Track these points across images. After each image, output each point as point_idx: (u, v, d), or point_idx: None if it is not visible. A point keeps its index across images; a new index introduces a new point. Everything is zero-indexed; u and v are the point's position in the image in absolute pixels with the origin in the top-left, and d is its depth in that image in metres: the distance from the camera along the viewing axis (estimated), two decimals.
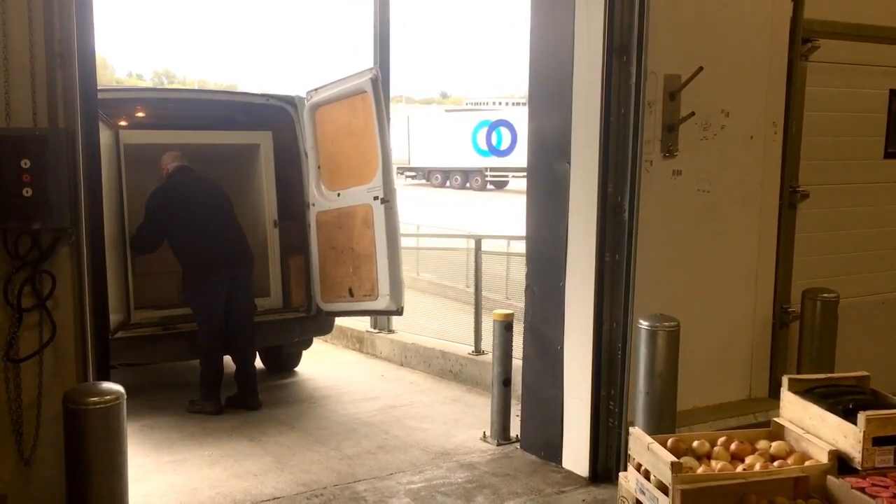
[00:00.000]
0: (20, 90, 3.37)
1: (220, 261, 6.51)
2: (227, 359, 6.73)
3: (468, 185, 37.67)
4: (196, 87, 25.15)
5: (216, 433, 6.01)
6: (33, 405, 3.50)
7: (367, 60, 8.26)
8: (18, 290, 3.41)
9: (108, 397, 3.17)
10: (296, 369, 7.84)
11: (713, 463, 3.70)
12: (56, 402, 3.31)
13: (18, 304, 3.42)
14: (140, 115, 7.23)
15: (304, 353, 7.87)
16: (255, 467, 5.34)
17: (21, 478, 3.51)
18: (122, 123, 6.81)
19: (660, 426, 4.37)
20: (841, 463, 3.57)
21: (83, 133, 3.49)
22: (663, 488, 3.49)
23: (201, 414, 6.40)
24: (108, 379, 3.55)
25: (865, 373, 4.12)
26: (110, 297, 4.09)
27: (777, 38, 5.35)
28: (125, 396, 3.24)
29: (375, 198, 6.26)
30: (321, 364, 8.13)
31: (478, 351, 7.48)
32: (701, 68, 4.81)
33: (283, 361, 7.75)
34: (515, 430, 5.69)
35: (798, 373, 5.22)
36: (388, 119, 6.41)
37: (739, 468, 3.64)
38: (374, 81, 6.17)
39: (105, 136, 5.76)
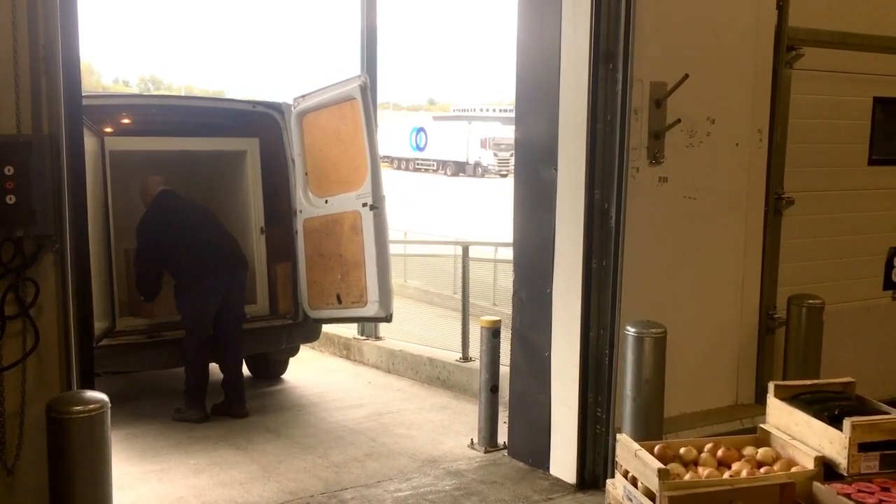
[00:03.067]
0: (3, 96, 3.35)
1: (217, 265, 6.49)
2: (213, 366, 6.70)
3: None
4: (182, 94, 25.08)
5: (202, 441, 5.97)
6: (16, 414, 3.46)
7: (353, 67, 8.27)
8: (1, 297, 3.38)
9: (91, 406, 3.15)
10: (282, 377, 7.81)
11: (700, 469, 3.71)
12: (39, 411, 3.28)
13: (1, 312, 3.38)
14: (126, 121, 7.19)
15: (291, 360, 7.83)
16: (242, 476, 5.30)
17: (4, 487, 3.47)
18: (108, 130, 6.77)
19: (647, 432, 4.37)
20: (827, 469, 3.58)
21: (67, 139, 3.47)
22: (651, 495, 3.49)
23: (187, 422, 6.35)
24: (92, 387, 3.52)
25: (851, 379, 4.14)
26: (94, 305, 4.06)
27: (762, 46, 5.38)
28: (109, 405, 3.21)
29: (364, 204, 6.25)
30: (308, 371, 8.09)
31: (465, 358, 7.47)
32: (687, 76, 4.83)
33: (270, 369, 7.71)
34: (503, 436, 5.68)
35: (784, 379, 5.24)
36: (376, 125, 6.41)
37: (726, 474, 3.65)
38: (362, 88, 6.17)
39: (90, 143, 5.73)
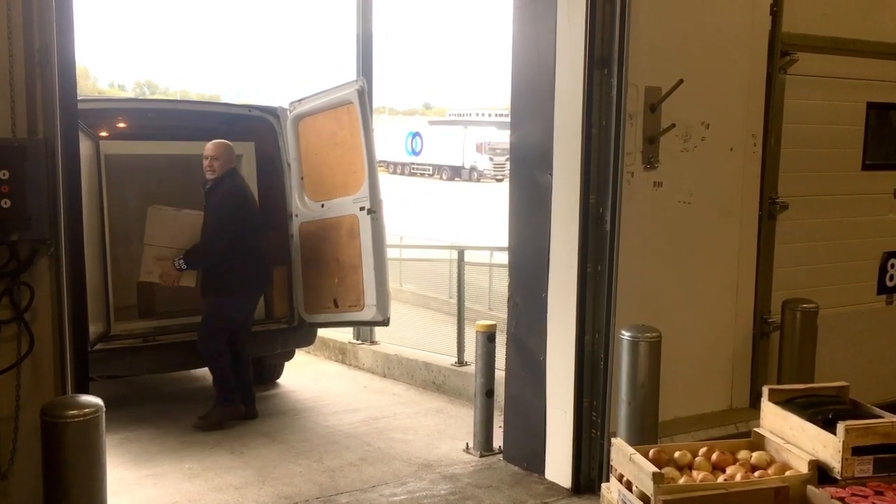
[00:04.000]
0: None
1: (260, 280, 6.55)
2: (205, 371, 6.68)
3: None
4: (178, 98, 25.08)
5: (197, 446, 5.96)
6: (10, 418, 3.45)
7: (349, 72, 8.28)
8: None
9: (86, 410, 3.14)
10: (278, 381, 7.80)
11: (695, 473, 3.72)
12: (34, 416, 3.27)
13: None
14: (121, 125, 7.18)
15: (286, 364, 7.83)
16: (236, 480, 5.30)
17: None
18: (104, 134, 6.76)
19: (642, 437, 4.39)
20: (821, 473, 3.60)
21: (63, 143, 3.46)
22: (645, 499, 3.50)
23: (231, 420, 6.28)
24: (86, 391, 3.51)
25: (845, 383, 4.16)
26: (90, 309, 4.05)
27: (756, 52, 5.41)
28: (104, 409, 3.21)
29: (362, 208, 6.25)
30: (303, 376, 8.09)
31: (461, 362, 7.47)
32: (681, 81, 4.85)
33: (265, 373, 7.69)
34: (498, 441, 5.68)
35: (778, 383, 5.25)
36: (373, 130, 6.41)
37: (721, 478, 3.66)
38: (360, 93, 6.18)
39: (85, 147, 5.72)
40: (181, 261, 6.27)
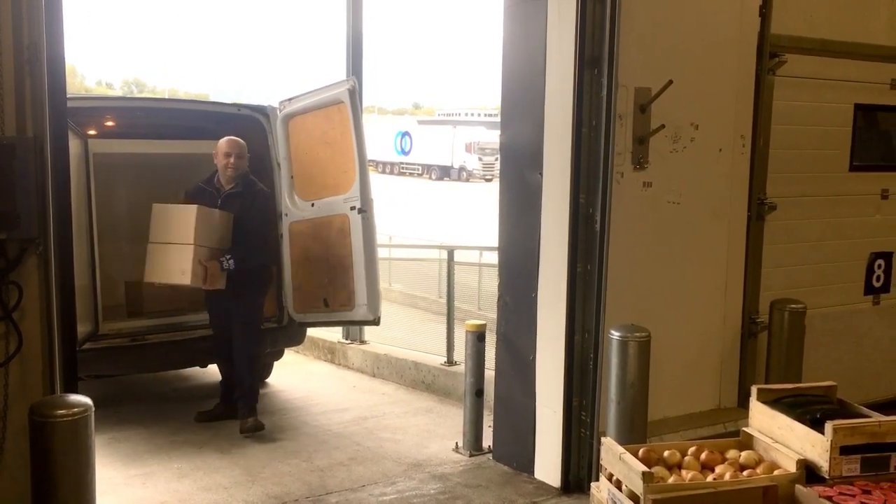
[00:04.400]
0: None
1: (272, 278, 6.59)
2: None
3: None
4: (166, 97, 24.96)
5: (185, 446, 5.94)
6: None
7: (339, 71, 8.27)
8: None
9: (75, 410, 3.13)
10: (267, 380, 7.76)
11: (684, 472, 3.73)
12: (22, 415, 3.26)
13: None
14: (110, 124, 7.14)
15: (275, 364, 7.80)
16: (225, 480, 5.28)
17: None
18: (92, 133, 6.72)
19: (631, 436, 4.40)
20: (809, 472, 3.62)
21: (52, 142, 3.45)
22: (635, 498, 3.51)
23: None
24: (75, 391, 3.50)
25: (832, 383, 4.18)
26: (78, 308, 4.03)
27: (745, 53, 5.44)
28: (93, 409, 3.20)
29: (352, 208, 6.24)
30: (292, 375, 8.07)
31: (450, 362, 7.48)
32: (671, 82, 4.87)
33: None
34: (488, 440, 5.69)
35: (766, 383, 5.28)
36: (364, 129, 6.40)
37: (710, 478, 3.67)
38: (351, 92, 6.16)
39: (74, 146, 5.68)
40: (231, 261, 5.92)
